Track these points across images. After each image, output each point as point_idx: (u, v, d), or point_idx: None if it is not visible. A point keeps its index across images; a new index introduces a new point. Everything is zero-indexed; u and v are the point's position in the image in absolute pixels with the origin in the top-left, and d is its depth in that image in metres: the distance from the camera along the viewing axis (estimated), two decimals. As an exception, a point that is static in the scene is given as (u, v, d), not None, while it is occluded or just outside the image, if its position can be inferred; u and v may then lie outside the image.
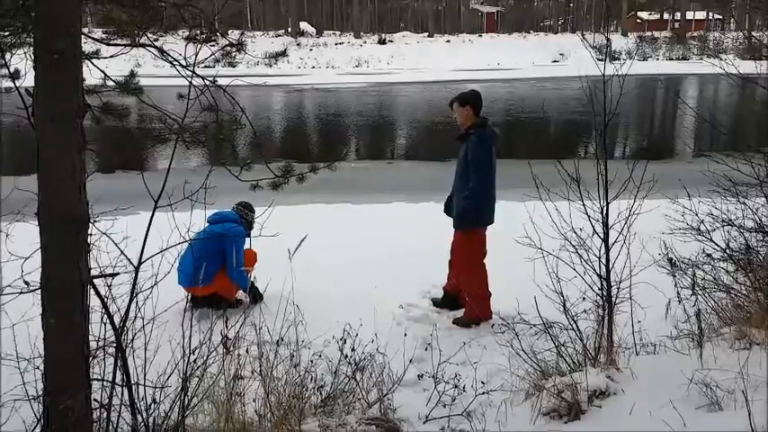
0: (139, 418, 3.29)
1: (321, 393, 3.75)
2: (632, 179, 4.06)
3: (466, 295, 5.48)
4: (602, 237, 4.21)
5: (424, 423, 4.03)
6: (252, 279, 5.33)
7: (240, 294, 5.85)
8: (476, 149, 5.36)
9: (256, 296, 5.39)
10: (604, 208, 4.17)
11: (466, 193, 5.34)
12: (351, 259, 7.57)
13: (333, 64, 48.54)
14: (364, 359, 3.93)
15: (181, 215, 3.78)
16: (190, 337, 3.35)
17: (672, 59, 50.94)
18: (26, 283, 3.21)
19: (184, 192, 3.55)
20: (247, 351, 3.72)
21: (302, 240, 4.12)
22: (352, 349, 3.92)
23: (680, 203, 5.09)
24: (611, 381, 3.88)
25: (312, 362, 3.77)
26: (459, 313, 5.79)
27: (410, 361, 4.26)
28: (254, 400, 3.54)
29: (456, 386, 4.19)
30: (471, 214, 5.40)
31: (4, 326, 3.38)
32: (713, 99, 28.65)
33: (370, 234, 8.71)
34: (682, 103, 24.34)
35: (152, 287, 3.46)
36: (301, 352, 3.82)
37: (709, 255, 4.84)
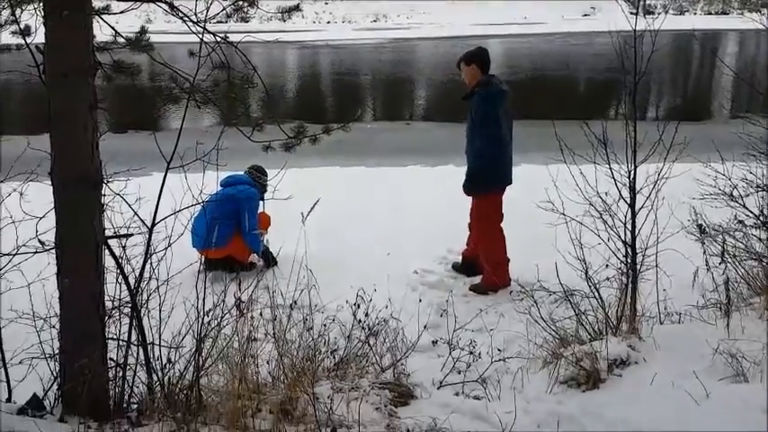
0: (155, 377, 3.42)
1: (334, 357, 3.80)
2: (662, 141, 4.04)
3: (483, 261, 5.52)
4: (629, 202, 4.21)
5: (438, 389, 4.08)
6: (265, 242, 5.46)
7: (254, 258, 6.02)
8: (479, 108, 5.31)
9: (270, 260, 5.46)
10: (632, 172, 4.15)
11: (472, 155, 5.40)
12: (365, 224, 7.54)
13: (349, 18, 48.03)
14: (378, 324, 3.95)
15: (193, 176, 3.78)
16: (204, 298, 3.43)
17: (710, 14, 50.03)
18: (41, 242, 3.32)
19: (197, 153, 3.58)
20: (261, 314, 3.73)
21: (315, 204, 4.15)
22: (366, 314, 3.93)
23: (712, 167, 5.03)
24: (633, 350, 3.90)
25: (325, 326, 3.81)
26: (477, 279, 5.91)
27: (425, 327, 4.27)
28: (267, 362, 3.61)
29: (471, 353, 4.23)
30: (480, 177, 5.40)
31: (20, 285, 3.50)
32: (753, 57, 28.00)
33: (386, 198, 8.66)
34: (719, 61, 23.91)
35: (166, 249, 3.53)
36: (314, 316, 3.86)
37: (741, 221, 4.80)
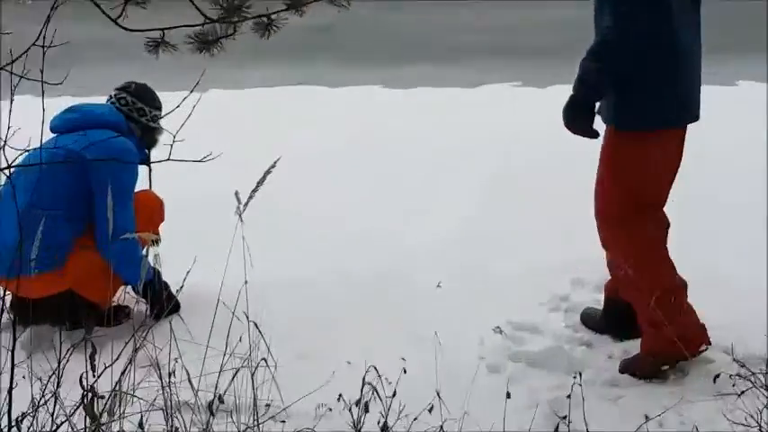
0: None
1: None
2: None
3: (632, 296, 3.92)
4: None
5: None
6: (152, 261, 3.81)
7: (127, 295, 4.37)
8: None
9: (162, 301, 3.98)
10: None
11: (598, 40, 3.89)
12: (375, 210, 5.68)
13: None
14: (415, 460, 2.86)
15: None
16: (9, 390, 2.61)
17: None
18: None
19: None
20: (141, 425, 2.78)
21: (269, 170, 3.11)
22: (385, 427, 2.82)
23: None
24: None
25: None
26: (635, 348, 4.18)
27: (526, 467, 3.00)
28: None
29: None
30: (625, 94, 3.89)
31: None
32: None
33: (413, 153, 6.82)
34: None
35: None
36: (266, 429, 3.01)
37: None
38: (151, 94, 4.37)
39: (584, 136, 3.84)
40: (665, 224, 3.99)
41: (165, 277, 4.00)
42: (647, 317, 3.87)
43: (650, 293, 3.74)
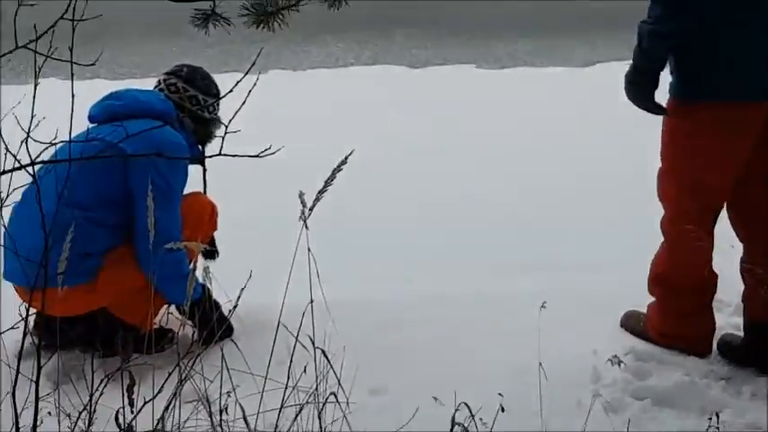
0: None
1: None
2: None
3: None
4: None
5: None
6: (202, 275, 3.80)
7: (171, 316, 4.39)
8: None
9: (213, 321, 3.99)
10: None
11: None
12: (458, 214, 5.80)
13: None
14: None
15: (8, 94, 3.23)
16: (34, 428, 2.65)
17: None
18: None
19: (16, 33, 2.56)
20: None
21: (338, 169, 3.10)
22: None
23: None
24: None
25: None
26: None
27: None
28: None
29: None
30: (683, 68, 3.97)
31: None
32: None
33: (497, 147, 6.84)
34: None
35: None
36: None
37: None
38: (206, 80, 4.39)
39: (648, 110, 4.08)
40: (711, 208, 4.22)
41: (215, 296, 4.02)
42: (659, 302, 4.30)
43: (668, 282, 4.24)
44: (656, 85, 4.05)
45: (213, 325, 3.83)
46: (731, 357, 4.31)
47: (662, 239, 4.34)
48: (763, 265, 4.19)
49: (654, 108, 4.07)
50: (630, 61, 4.07)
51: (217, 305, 4.09)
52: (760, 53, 4.07)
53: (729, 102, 4.07)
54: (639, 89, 4.06)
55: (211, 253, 4.52)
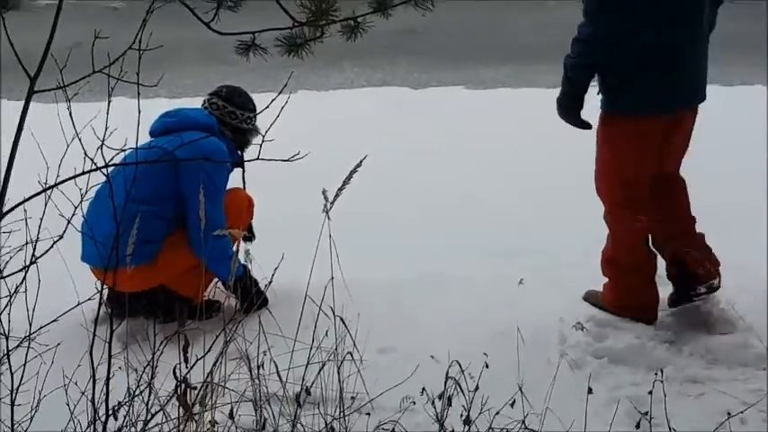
0: None
1: None
2: None
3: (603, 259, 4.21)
4: None
5: None
6: (244, 258, 3.66)
7: (217, 290, 4.23)
8: None
9: (252, 294, 3.84)
10: None
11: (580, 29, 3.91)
12: (464, 210, 5.55)
13: None
14: (497, 452, 2.72)
15: (86, 110, 2.81)
16: (107, 381, 2.52)
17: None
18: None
19: (93, 60, 2.39)
20: (231, 415, 2.80)
21: (354, 170, 3.06)
22: (467, 421, 2.75)
23: None
24: None
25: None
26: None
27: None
28: None
29: None
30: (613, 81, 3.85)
31: None
32: None
33: (488, 153, 6.56)
34: None
35: (25, 269, 2.51)
36: (351, 422, 2.94)
37: None
38: (243, 97, 4.27)
39: (576, 126, 4.03)
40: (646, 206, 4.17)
41: (254, 274, 4.04)
42: (609, 281, 4.26)
43: (614, 261, 4.20)
44: (581, 106, 4.00)
45: (252, 297, 3.76)
46: (677, 303, 4.29)
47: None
48: (666, 230, 4.31)
49: (581, 124, 4.04)
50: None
51: (255, 281, 4.05)
52: (667, 77, 4.04)
53: (647, 116, 4.06)
54: (569, 110, 4.03)
55: (249, 238, 4.48)
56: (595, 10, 3.88)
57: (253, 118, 4.36)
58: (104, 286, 2.92)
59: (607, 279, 4.25)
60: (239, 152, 4.30)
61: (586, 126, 4.03)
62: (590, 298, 4.31)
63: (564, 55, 4.04)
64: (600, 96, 4.09)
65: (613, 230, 4.19)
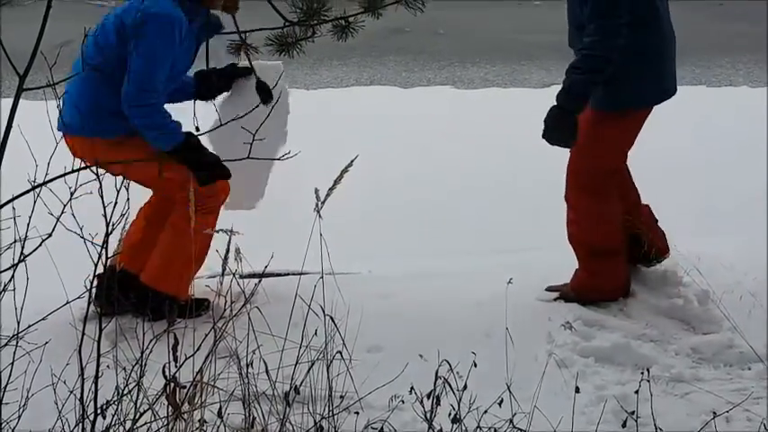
0: None
1: None
2: None
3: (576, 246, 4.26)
4: None
5: None
6: (235, 256, 3.42)
7: (206, 288, 4.05)
8: None
9: (205, 163, 3.83)
10: None
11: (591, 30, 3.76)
12: (445, 207, 5.65)
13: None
14: (488, 451, 2.68)
15: None
16: (95, 379, 2.51)
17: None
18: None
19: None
20: (220, 414, 2.72)
21: (345, 170, 3.11)
22: (456, 419, 2.71)
23: None
24: None
25: (364, 448, 2.82)
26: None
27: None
28: None
29: None
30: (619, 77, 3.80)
31: None
32: None
33: (479, 150, 6.57)
34: None
35: (14, 266, 2.50)
36: (340, 421, 2.90)
37: None
38: None
39: (563, 146, 3.91)
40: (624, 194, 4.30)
41: (246, 268, 3.67)
42: (586, 265, 4.23)
43: (596, 250, 4.20)
44: (577, 124, 3.92)
45: (206, 166, 3.65)
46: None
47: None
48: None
49: (570, 143, 3.98)
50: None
51: (204, 150, 3.85)
52: (666, 68, 4.13)
53: (648, 106, 4.11)
54: (568, 128, 3.89)
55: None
56: (603, 17, 3.82)
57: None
58: (93, 285, 2.75)
59: (585, 267, 4.29)
60: (206, 9, 3.78)
61: (572, 145, 4.00)
62: (564, 295, 4.32)
63: (556, 59, 3.95)
64: (601, 92, 4.01)
65: (595, 216, 4.20)
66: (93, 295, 3.49)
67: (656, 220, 4.36)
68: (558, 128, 3.88)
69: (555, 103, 3.86)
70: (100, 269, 2.73)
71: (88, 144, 3.70)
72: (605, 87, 3.91)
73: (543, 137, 3.91)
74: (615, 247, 4.20)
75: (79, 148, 3.68)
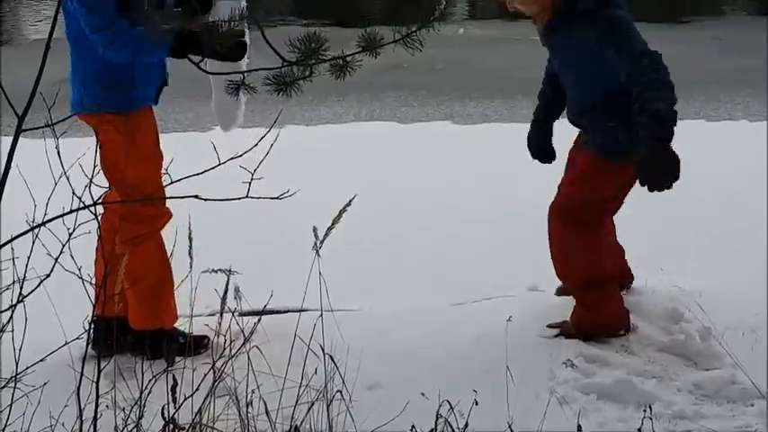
0: None
1: None
2: None
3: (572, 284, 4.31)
4: None
5: None
6: (234, 294, 3.18)
7: (205, 327, 3.84)
8: (621, 31, 3.70)
9: (218, 42, 2.70)
10: None
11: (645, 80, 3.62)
12: (447, 245, 5.51)
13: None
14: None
15: (74, 145, 2.55)
16: (94, 420, 2.46)
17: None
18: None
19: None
20: None
21: (344, 210, 3.00)
22: None
23: None
24: None
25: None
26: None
27: None
28: None
29: None
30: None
31: None
32: None
33: (478, 187, 6.35)
34: None
35: (12, 308, 2.49)
36: None
37: None
38: None
39: (674, 182, 3.61)
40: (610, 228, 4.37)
41: (245, 306, 3.31)
42: (581, 299, 4.16)
43: (587, 281, 4.13)
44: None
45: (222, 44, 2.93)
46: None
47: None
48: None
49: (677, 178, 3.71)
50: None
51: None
52: None
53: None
54: (675, 161, 3.66)
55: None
56: (647, 52, 3.74)
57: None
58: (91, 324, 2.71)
59: (580, 301, 4.23)
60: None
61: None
62: (564, 332, 4.24)
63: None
64: (605, 139, 3.98)
65: (578, 248, 4.15)
66: (92, 339, 3.32)
67: (621, 247, 4.46)
68: (668, 165, 3.66)
69: (650, 144, 3.64)
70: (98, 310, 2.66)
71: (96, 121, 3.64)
72: (625, 136, 3.85)
73: (652, 186, 3.69)
74: (603, 276, 4.14)
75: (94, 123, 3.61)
